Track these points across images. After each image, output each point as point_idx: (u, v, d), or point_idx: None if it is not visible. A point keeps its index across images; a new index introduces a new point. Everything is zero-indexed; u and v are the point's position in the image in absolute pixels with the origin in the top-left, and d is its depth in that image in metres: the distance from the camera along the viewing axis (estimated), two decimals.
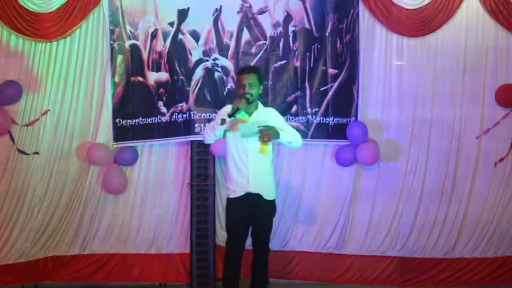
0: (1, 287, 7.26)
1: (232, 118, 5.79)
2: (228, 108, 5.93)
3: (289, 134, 5.97)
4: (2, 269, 7.26)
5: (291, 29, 7.44)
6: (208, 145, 7.22)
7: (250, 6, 7.41)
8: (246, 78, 5.90)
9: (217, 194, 7.51)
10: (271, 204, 6.01)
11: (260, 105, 6.04)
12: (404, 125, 7.58)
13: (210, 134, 5.97)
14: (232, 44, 7.42)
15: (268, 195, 5.95)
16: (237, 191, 5.91)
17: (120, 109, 7.39)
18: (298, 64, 7.46)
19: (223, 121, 5.80)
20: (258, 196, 5.90)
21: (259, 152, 5.83)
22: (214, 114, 7.15)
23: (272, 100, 7.40)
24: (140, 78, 7.39)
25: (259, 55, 7.43)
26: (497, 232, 7.55)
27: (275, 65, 7.44)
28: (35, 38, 7.31)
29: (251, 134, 5.77)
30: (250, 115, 5.94)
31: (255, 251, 6.04)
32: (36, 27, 7.28)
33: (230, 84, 7.40)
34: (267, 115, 5.97)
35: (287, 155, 7.61)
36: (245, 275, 6.09)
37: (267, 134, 5.77)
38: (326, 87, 7.48)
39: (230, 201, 6.00)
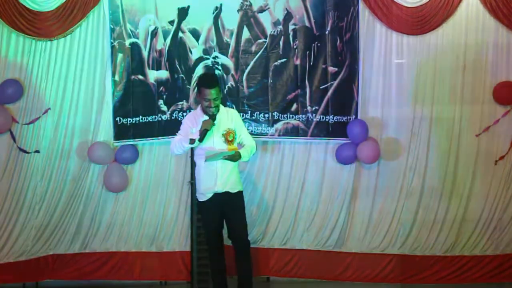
0: (2, 286, 7.27)
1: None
2: (191, 116, 6.33)
3: (246, 153, 6.30)
4: (3, 267, 7.27)
5: (291, 27, 7.45)
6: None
7: (250, 4, 7.41)
8: (210, 93, 6.11)
9: None
10: (238, 195, 6.27)
11: (221, 107, 6.28)
12: (404, 123, 7.58)
13: (178, 149, 6.31)
14: (232, 43, 7.44)
15: (234, 188, 6.24)
16: (206, 194, 6.21)
17: (121, 107, 7.39)
18: (298, 62, 7.47)
19: (192, 141, 6.11)
20: (225, 194, 6.17)
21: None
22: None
23: (272, 98, 7.42)
24: (140, 77, 7.41)
25: (259, 53, 7.44)
26: (497, 230, 7.55)
27: (275, 63, 7.46)
28: (35, 36, 7.30)
29: (216, 158, 6.16)
30: (214, 119, 6.17)
31: (236, 249, 6.22)
32: (37, 25, 7.27)
33: (231, 83, 7.42)
34: (228, 118, 6.25)
35: (287, 153, 7.62)
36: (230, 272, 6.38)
37: (231, 160, 6.18)
38: (326, 85, 7.49)
39: (200, 204, 6.36)
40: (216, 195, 6.18)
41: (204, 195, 6.24)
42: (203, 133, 6.07)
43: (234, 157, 6.17)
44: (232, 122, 6.26)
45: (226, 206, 6.21)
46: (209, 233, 6.36)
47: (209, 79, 6.35)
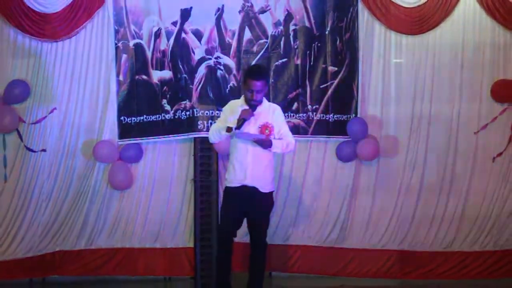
0: (10, 281, 7.37)
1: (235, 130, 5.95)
2: (232, 105, 6.16)
3: (280, 144, 6.07)
4: (10, 263, 7.36)
5: (291, 27, 7.53)
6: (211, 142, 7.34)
7: (252, 6, 7.48)
8: (255, 85, 5.97)
9: (220, 189, 7.51)
10: (267, 196, 6.13)
11: (264, 100, 6.15)
12: (403, 121, 7.64)
13: (216, 137, 6.17)
14: (234, 43, 7.51)
15: (264, 188, 6.08)
16: (234, 182, 6.06)
17: (125, 107, 7.46)
18: (298, 62, 7.55)
19: (229, 129, 5.97)
20: (253, 189, 6.04)
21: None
22: (216, 112, 7.29)
23: (274, 98, 7.46)
24: (144, 77, 7.47)
25: (261, 53, 7.51)
26: (496, 225, 7.59)
27: (276, 63, 7.54)
28: (41, 38, 7.39)
29: (246, 137, 5.99)
30: (254, 109, 6.05)
31: (251, 246, 6.15)
32: (43, 27, 7.35)
33: (232, 82, 7.49)
34: (269, 112, 6.11)
35: None
36: (242, 268, 6.34)
37: (261, 146, 5.97)
38: (326, 85, 7.57)
39: (226, 189, 6.17)
40: (244, 187, 6.01)
41: (231, 182, 6.07)
42: (241, 122, 5.91)
43: (264, 142, 5.94)
44: (272, 117, 6.06)
45: (251, 201, 6.02)
46: (224, 222, 6.19)
47: (256, 71, 6.16)
